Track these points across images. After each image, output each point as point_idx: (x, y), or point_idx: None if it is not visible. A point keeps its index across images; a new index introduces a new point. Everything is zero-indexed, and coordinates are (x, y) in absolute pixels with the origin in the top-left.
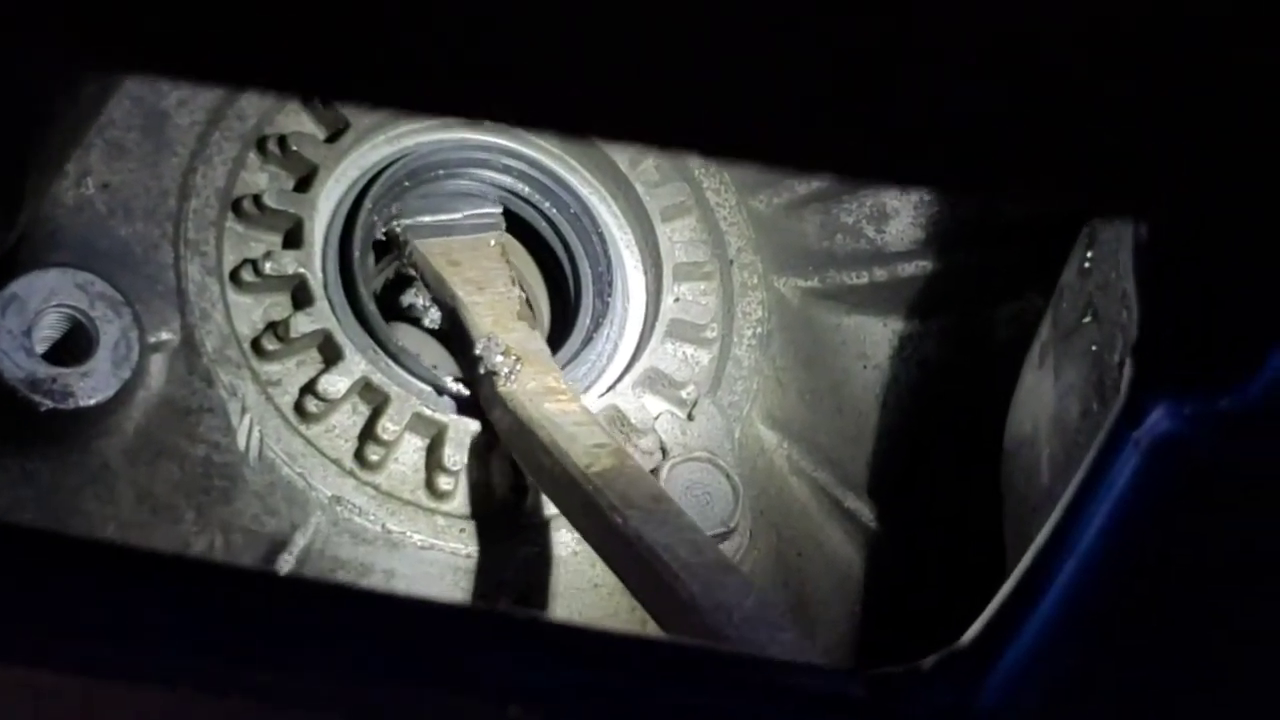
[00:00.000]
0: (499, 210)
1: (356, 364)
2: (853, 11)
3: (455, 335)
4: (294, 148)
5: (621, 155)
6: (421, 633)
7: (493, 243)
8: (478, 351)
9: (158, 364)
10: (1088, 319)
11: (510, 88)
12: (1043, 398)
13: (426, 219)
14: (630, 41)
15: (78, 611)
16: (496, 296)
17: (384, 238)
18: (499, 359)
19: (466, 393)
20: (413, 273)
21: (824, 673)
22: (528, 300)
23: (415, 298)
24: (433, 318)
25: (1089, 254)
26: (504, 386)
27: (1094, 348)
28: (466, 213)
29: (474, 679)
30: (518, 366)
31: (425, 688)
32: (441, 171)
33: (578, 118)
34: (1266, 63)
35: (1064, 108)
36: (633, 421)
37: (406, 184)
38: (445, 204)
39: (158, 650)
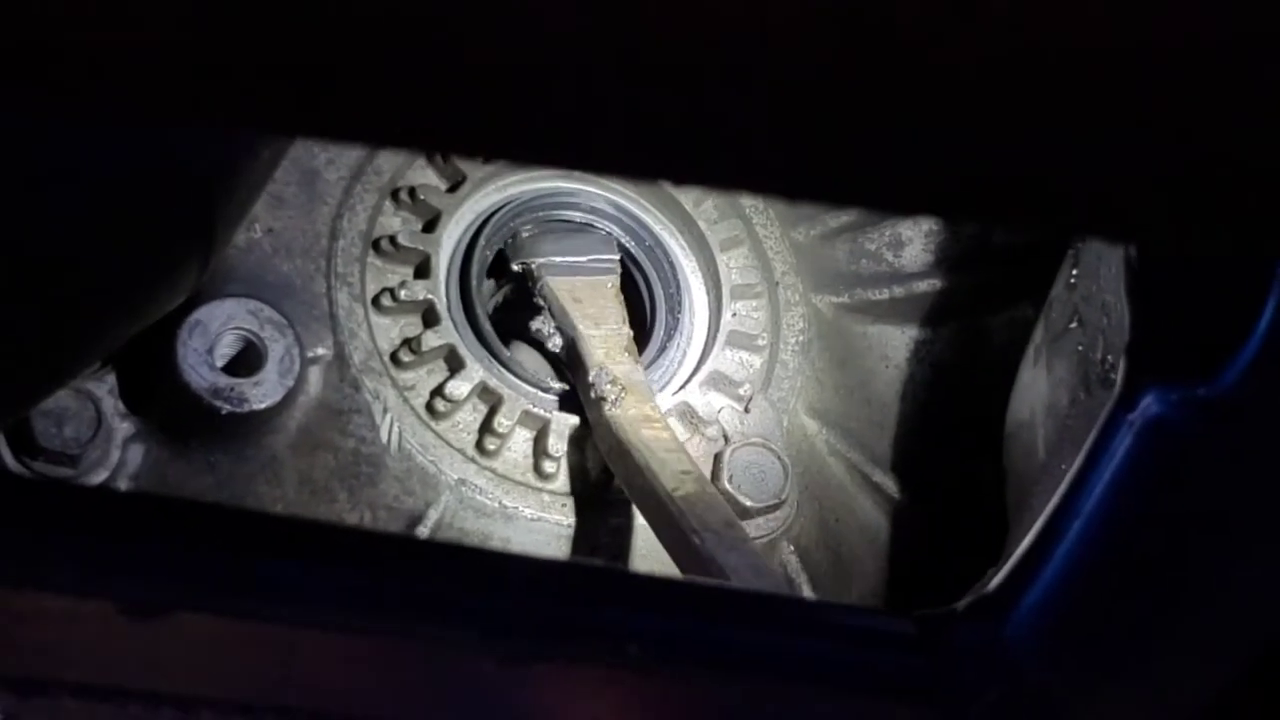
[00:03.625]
0: (617, 257)
1: (476, 371)
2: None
3: (572, 361)
4: (421, 197)
5: (686, 198)
6: (552, 589)
7: (609, 285)
8: (590, 379)
9: (315, 374)
10: (1074, 324)
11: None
12: (1038, 389)
13: (558, 259)
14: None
15: (263, 573)
16: (609, 332)
17: (519, 270)
18: (608, 387)
19: (565, 388)
20: (541, 303)
21: (880, 614)
22: (634, 337)
23: (542, 324)
24: (555, 343)
25: (1074, 271)
26: (609, 411)
27: (1080, 348)
28: (591, 256)
29: (597, 624)
30: (622, 395)
31: (557, 634)
32: (542, 214)
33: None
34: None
35: (1075, 155)
36: (700, 414)
37: (512, 223)
38: (566, 244)
39: (329, 604)
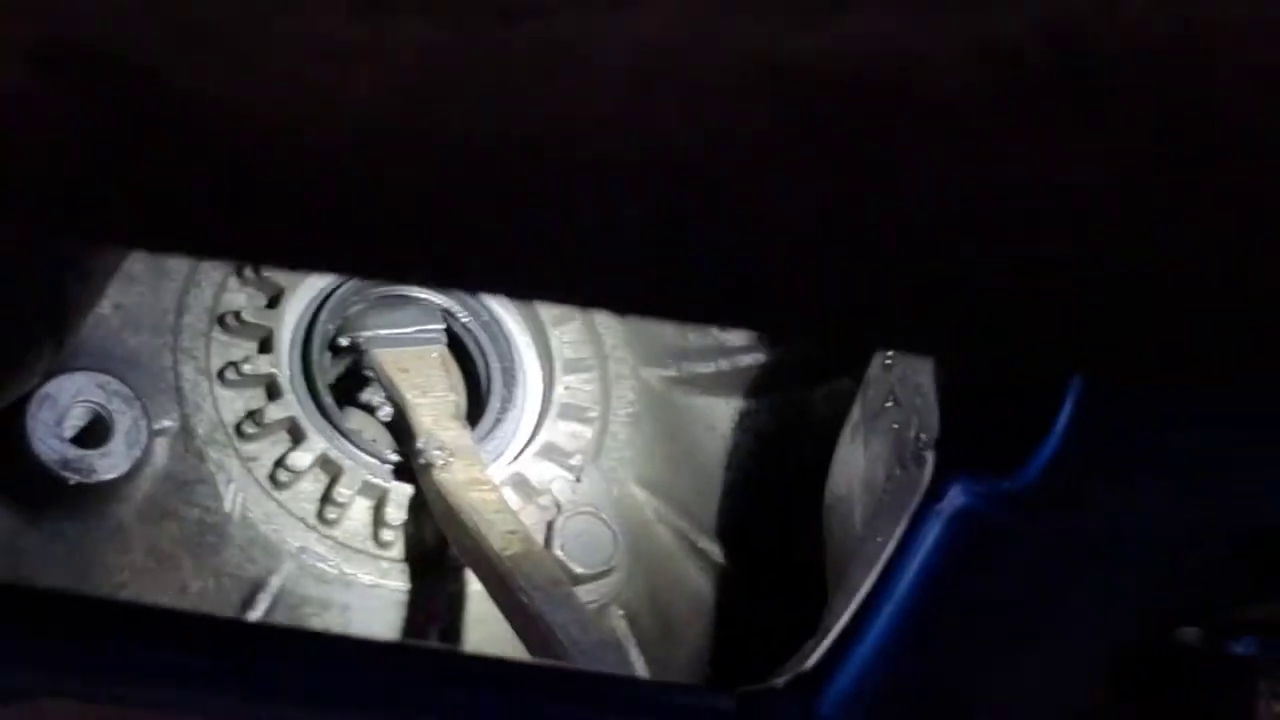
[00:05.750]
0: (442, 327)
1: (317, 443)
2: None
3: (401, 428)
4: (265, 274)
5: None
6: (370, 667)
7: (435, 354)
8: (419, 445)
9: (161, 445)
10: (890, 403)
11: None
12: (855, 464)
13: (383, 332)
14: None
15: (112, 659)
16: (436, 400)
17: (347, 344)
18: (436, 452)
19: (402, 460)
20: (370, 374)
21: (700, 690)
22: (470, 409)
23: (372, 395)
24: (385, 412)
25: (889, 354)
26: (438, 475)
27: (895, 426)
28: (416, 328)
29: (410, 703)
30: (450, 459)
31: (369, 713)
32: (383, 289)
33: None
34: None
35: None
36: (533, 484)
37: (352, 300)
38: (392, 317)
39: (175, 687)
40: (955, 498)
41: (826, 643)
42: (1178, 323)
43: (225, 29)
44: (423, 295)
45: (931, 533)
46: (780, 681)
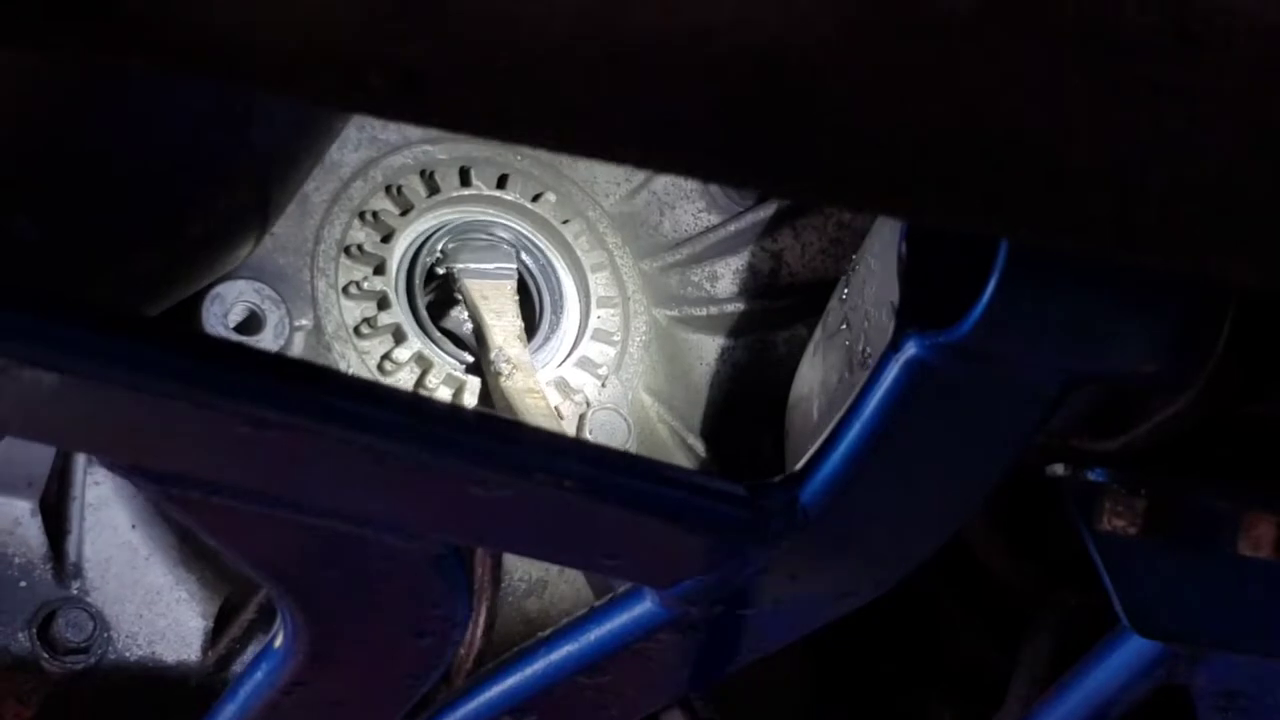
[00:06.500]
0: (515, 266)
1: (414, 343)
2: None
3: (478, 342)
4: (381, 218)
5: (568, 233)
6: (505, 437)
7: (508, 287)
8: (491, 357)
9: (299, 338)
10: (844, 327)
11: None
12: (815, 371)
13: (471, 265)
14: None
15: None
16: (507, 323)
17: (441, 274)
18: (503, 364)
19: (475, 361)
20: (459, 298)
21: (720, 478)
22: (525, 328)
23: (459, 313)
24: (466, 328)
25: (845, 289)
26: (503, 383)
27: (846, 343)
28: (495, 265)
29: (539, 464)
30: (514, 371)
31: (522, 470)
32: (468, 234)
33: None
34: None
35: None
36: (572, 386)
37: (447, 241)
38: (477, 255)
39: (376, 433)
40: (909, 348)
41: (810, 452)
42: (1078, 189)
43: None
44: (503, 240)
45: (890, 374)
46: (776, 479)
